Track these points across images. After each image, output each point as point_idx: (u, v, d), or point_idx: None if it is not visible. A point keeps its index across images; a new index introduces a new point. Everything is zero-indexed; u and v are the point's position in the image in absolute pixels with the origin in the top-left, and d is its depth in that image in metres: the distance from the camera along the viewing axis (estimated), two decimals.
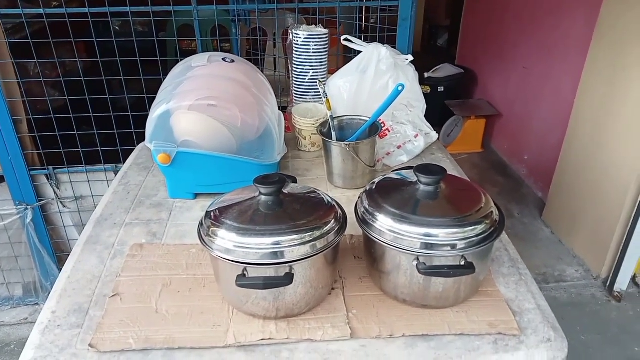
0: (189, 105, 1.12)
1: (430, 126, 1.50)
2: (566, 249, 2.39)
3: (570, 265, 2.29)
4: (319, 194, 0.87)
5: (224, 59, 1.25)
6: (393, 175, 0.93)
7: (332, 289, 0.85)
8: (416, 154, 1.42)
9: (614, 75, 2.03)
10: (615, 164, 2.06)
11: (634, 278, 2.16)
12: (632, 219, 1.99)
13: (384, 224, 0.79)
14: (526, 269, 0.99)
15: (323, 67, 1.49)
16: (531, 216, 2.67)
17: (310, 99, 1.51)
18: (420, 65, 4.07)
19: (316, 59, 1.47)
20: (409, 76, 1.49)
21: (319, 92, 1.44)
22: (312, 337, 0.74)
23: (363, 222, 0.83)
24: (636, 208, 1.96)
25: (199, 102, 1.12)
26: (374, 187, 0.88)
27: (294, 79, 1.51)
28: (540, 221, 2.62)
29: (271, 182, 0.78)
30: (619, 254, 2.08)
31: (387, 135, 1.40)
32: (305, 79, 1.49)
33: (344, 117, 1.32)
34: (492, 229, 0.82)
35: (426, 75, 3.51)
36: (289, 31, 1.49)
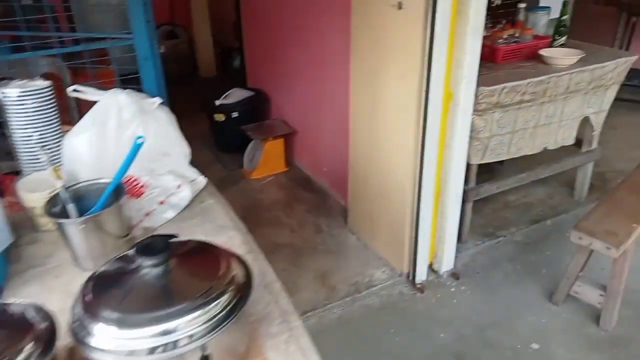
0: None
1: (196, 171, 1.37)
2: (372, 253, 2.52)
3: (377, 268, 2.41)
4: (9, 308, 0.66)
5: None
6: (115, 263, 0.77)
7: None
8: (183, 206, 1.28)
9: (374, 82, 2.19)
10: (392, 167, 2.22)
11: (430, 266, 2.37)
12: (414, 215, 2.16)
13: (101, 336, 0.63)
14: (297, 320, 0.91)
15: (51, 127, 1.25)
16: (338, 227, 2.76)
17: (42, 166, 1.25)
18: (219, 91, 3.91)
19: (39, 119, 1.22)
20: (162, 121, 1.33)
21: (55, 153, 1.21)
22: None
23: (78, 340, 0.65)
24: (415, 204, 2.14)
25: None
26: (87, 287, 0.71)
27: (17, 145, 1.24)
28: (347, 230, 2.72)
29: None
30: (413, 247, 2.25)
31: (143, 192, 1.23)
32: (30, 143, 1.23)
33: (81, 184, 1.11)
34: (236, 298, 0.71)
35: (217, 102, 3.42)
36: None
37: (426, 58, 1.82)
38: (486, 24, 2.09)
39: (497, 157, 2.37)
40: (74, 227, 1.01)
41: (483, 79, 2.18)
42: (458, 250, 2.39)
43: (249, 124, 3.43)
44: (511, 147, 2.38)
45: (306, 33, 2.96)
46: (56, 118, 1.26)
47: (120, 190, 1.08)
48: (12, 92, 1.18)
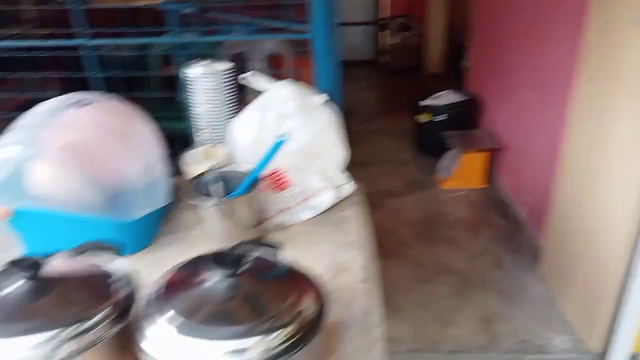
0: (47, 154, 0.99)
1: (346, 177, 1.29)
2: (556, 313, 2.07)
3: (557, 333, 1.96)
4: (91, 269, 0.71)
5: (85, 102, 1.11)
6: (190, 265, 0.75)
7: None
8: (322, 209, 1.22)
9: (601, 117, 1.74)
10: (605, 215, 1.75)
11: (634, 357, 1.80)
12: (622, 284, 1.66)
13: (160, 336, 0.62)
14: None
15: (224, 107, 1.33)
16: (523, 269, 2.35)
17: (214, 142, 1.35)
18: (435, 90, 3.68)
19: (214, 98, 1.31)
20: (322, 120, 1.29)
21: (222, 134, 1.29)
22: None
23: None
24: (625, 270, 1.64)
25: (59, 151, 0.99)
26: (163, 283, 0.70)
27: (194, 120, 1.36)
28: (533, 275, 2.30)
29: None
30: (611, 324, 1.75)
31: (286, 188, 1.21)
32: (201, 120, 1.33)
33: (227, 168, 1.15)
34: (296, 337, 0.63)
35: (423, 103, 3.27)
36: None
37: None
38: None
39: None
40: (207, 206, 1.05)
41: None
42: None
43: (454, 130, 3.20)
44: None
45: (529, 46, 2.56)
46: (232, 99, 1.34)
47: (255, 183, 1.07)
48: (191, 72, 1.29)
